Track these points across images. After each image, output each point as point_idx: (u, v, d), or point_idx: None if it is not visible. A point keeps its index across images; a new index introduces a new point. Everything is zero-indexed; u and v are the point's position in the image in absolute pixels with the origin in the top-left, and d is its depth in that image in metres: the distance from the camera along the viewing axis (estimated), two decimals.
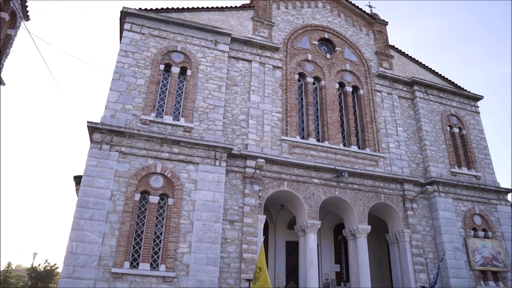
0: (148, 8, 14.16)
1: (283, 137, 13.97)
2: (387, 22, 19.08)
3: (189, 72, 13.49)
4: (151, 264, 10.60)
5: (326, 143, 14.57)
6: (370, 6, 19.40)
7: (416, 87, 17.47)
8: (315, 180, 13.62)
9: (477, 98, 18.65)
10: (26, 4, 12.72)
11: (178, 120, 12.69)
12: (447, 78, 18.75)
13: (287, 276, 15.55)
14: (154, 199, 11.25)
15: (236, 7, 16.10)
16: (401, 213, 14.40)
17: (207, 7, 15.41)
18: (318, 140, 14.87)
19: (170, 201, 11.31)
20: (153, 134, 11.69)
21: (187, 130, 12.47)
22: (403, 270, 13.82)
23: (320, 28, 17.24)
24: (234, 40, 14.89)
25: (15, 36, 12.53)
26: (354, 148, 15.01)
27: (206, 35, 14.33)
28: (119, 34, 14.71)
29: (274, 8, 16.82)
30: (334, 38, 17.30)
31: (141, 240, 10.80)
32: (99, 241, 10.12)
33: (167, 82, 13.32)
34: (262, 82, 14.77)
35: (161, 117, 12.52)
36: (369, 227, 13.78)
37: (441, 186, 15.15)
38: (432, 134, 16.58)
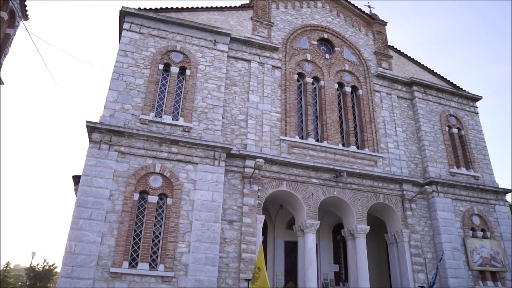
0: (147, 7, 14.15)
1: (282, 137, 13.97)
2: (386, 22, 19.10)
3: (188, 72, 13.48)
4: (150, 264, 10.60)
5: (325, 143, 14.58)
6: (369, 6, 19.42)
7: (415, 88, 17.49)
8: (314, 180, 13.63)
9: (476, 98, 18.68)
10: (25, 3, 12.69)
11: (177, 120, 12.69)
12: (446, 79, 18.78)
13: (286, 276, 15.55)
14: (153, 199, 11.25)
15: (235, 7, 16.10)
16: (400, 213, 14.41)
17: (206, 7, 15.40)
18: (317, 140, 14.88)
19: (169, 201, 11.31)
20: (152, 134, 11.69)
21: (186, 130, 12.47)
22: (402, 270, 13.84)
23: (319, 28, 17.25)
24: (233, 40, 14.89)
25: (14, 35, 12.49)
26: (353, 148, 15.03)
27: (205, 35, 14.33)
28: (118, 34, 14.69)
29: (274, 8, 16.82)
30: (333, 38, 17.31)
31: (140, 240, 10.79)
32: (98, 241, 10.11)
33: (166, 82, 13.31)
34: (261, 82, 14.77)
35: (160, 117, 12.52)
36: (368, 227, 13.79)
37: (439, 186, 15.17)
38: (431, 135, 16.60)
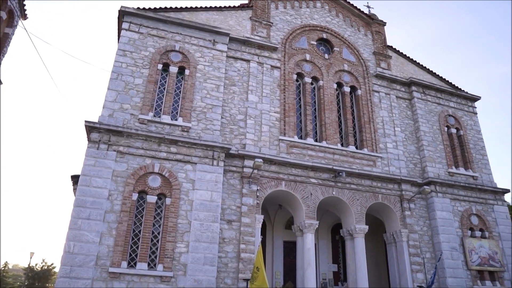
0: (146, 7, 14.14)
1: (281, 137, 13.98)
2: (385, 23, 19.13)
3: (187, 72, 13.48)
4: (149, 264, 10.59)
5: (324, 143, 14.59)
6: (368, 7, 19.44)
7: (413, 88, 17.52)
8: (313, 180, 13.64)
9: (474, 98, 18.72)
10: (24, 2, 12.67)
11: (176, 119, 12.68)
12: (444, 79, 18.81)
13: (284, 276, 15.55)
14: (151, 198, 11.24)
15: (234, 7, 16.10)
16: (398, 213, 14.43)
17: (206, 7, 15.40)
18: (316, 140, 14.89)
19: (168, 200, 11.30)
20: (151, 133, 11.68)
21: (185, 129, 12.46)
22: (401, 270, 13.86)
23: (318, 28, 17.26)
24: (232, 40, 14.89)
25: (13, 35, 12.49)
26: (352, 148, 15.04)
27: (204, 34, 14.32)
28: (117, 34, 14.68)
29: (273, 8, 16.82)
30: (332, 38, 17.33)
31: (138, 239, 10.78)
32: (96, 241, 10.10)
33: (165, 82, 13.31)
34: (260, 82, 14.77)
35: (159, 117, 12.51)
36: (367, 227, 13.81)
37: (438, 186, 15.20)
38: (429, 135, 16.63)
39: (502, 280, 14.55)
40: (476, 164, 16.91)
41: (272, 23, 16.26)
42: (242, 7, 16.25)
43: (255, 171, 12.62)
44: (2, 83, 12.03)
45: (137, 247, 10.69)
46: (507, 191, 16.43)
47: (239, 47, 15.06)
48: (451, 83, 18.78)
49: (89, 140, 11.28)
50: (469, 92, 18.64)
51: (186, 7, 14.97)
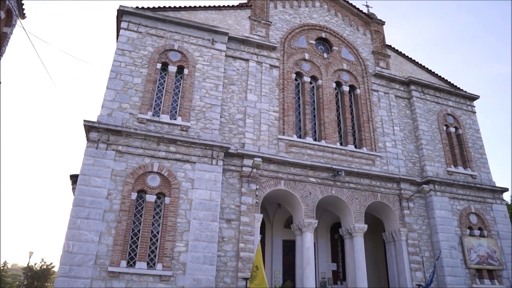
0: (145, 7, 14.14)
1: (280, 136, 13.98)
2: (384, 22, 19.14)
3: (186, 71, 13.47)
4: (148, 263, 10.59)
5: (323, 142, 14.60)
6: (367, 6, 19.46)
7: (412, 87, 17.54)
8: (312, 179, 13.65)
9: (473, 97, 18.75)
10: (22, 2, 12.65)
11: (175, 119, 12.68)
12: (443, 78, 18.84)
13: (284, 275, 15.57)
14: (150, 198, 11.24)
15: (233, 6, 16.09)
16: (397, 212, 14.45)
17: (204, 6, 15.39)
18: (315, 139, 14.90)
19: (167, 200, 11.30)
20: (150, 133, 11.68)
21: (184, 129, 12.46)
22: (400, 268, 13.88)
23: (317, 28, 17.26)
24: (231, 39, 14.89)
25: (11, 34, 12.46)
26: (350, 147, 15.05)
27: (203, 34, 14.32)
28: (116, 33, 14.66)
29: (272, 7, 16.82)
30: (331, 38, 17.33)
31: (137, 239, 10.79)
32: (95, 240, 10.10)
33: (164, 81, 13.30)
34: (259, 81, 14.78)
35: (158, 116, 12.50)
36: (366, 226, 13.83)
37: (437, 185, 15.23)
38: (428, 134, 16.65)
39: (500, 278, 14.59)
40: (474, 163, 16.94)
41: (271, 22, 16.26)
42: (241, 6, 16.24)
43: (254, 170, 12.62)
44: (1, 83, 12.01)
45: (136, 247, 10.69)
46: (505, 189, 16.46)
47: (238, 46, 15.05)
48: (450, 82, 18.81)
49: (88, 139, 11.27)
50: (467, 91, 18.67)
51: (185, 7, 14.96)
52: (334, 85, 16.23)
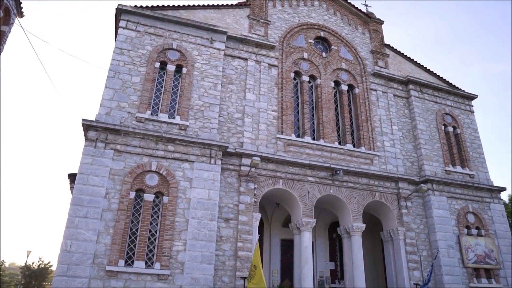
0: (144, 5, 14.12)
1: (278, 135, 13.99)
2: (383, 21, 19.16)
3: (184, 70, 13.46)
4: (146, 262, 10.59)
5: (321, 142, 14.62)
6: (366, 5, 19.47)
7: (411, 86, 17.56)
8: (310, 179, 13.67)
9: (471, 97, 18.78)
10: (20, 0, 12.61)
11: (174, 118, 12.67)
12: (442, 77, 18.87)
13: (282, 274, 15.59)
14: (149, 197, 11.23)
15: (232, 5, 16.07)
16: (395, 211, 14.49)
17: (203, 5, 15.38)
18: (313, 139, 14.91)
19: (165, 199, 11.30)
20: (148, 132, 11.67)
21: (183, 128, 12.45)
22: (397, 268, 13.92)
23: (316, 27, 17.26)
24: (230, 38, 14.88)
25: (9, 33, 12.42)
26: (349, 146, 15.07)
27: (202, 33, 14.30)
28: (114, 32, 14.64)
29: (270, 6, 16.81)
30: (330, 37, 17.33)
31: (136, 238, 10.78)
32: (93, 239, 10.10)
33: (163, 80, 13.29)
34: (257, 80, 14.77)
35: (156, 115, 12.49)
36: (364, 225, 13.86)
37: (435, 185, 15.26)
38: (426, 133, 16.68)
39: (498, 277, 14.65)
40: (472, 162, 16.98)
41: (269, 21, 16.25)
42: (239, 5, 16.23)
43: (253, 169, 12.63)
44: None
45: (135, 246, 10.69)
46: (503, 189, 16.51)
47: (237, 45, 15.04)
48: (448, 81, 18.84)
49: (86, 138, 11.26)
50: (466, 91, 18.71)
51: (183, 6, 14.95)
52: (332, 84, 16.24)
